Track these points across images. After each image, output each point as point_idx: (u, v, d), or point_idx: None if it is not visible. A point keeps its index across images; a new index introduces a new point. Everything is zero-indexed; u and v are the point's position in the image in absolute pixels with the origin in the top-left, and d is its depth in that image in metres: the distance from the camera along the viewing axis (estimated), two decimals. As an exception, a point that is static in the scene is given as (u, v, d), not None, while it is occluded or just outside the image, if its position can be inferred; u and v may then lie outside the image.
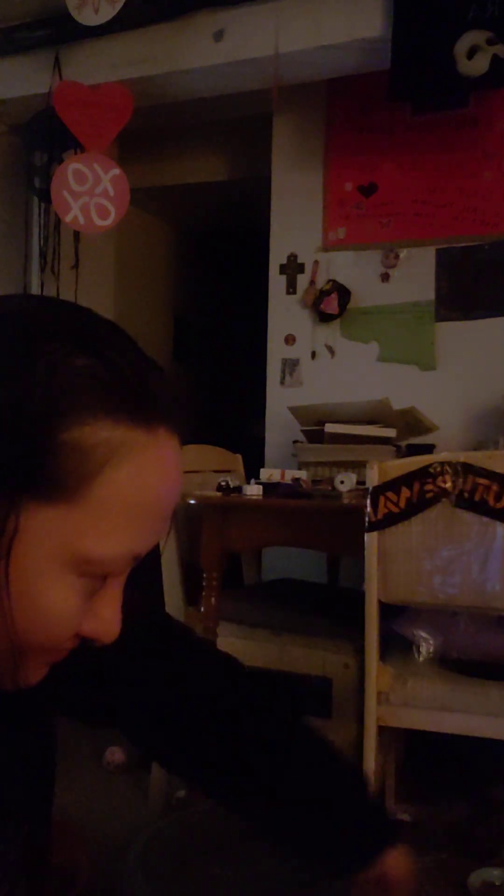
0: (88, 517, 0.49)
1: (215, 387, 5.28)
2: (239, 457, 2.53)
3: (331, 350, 3.09)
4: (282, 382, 3.15)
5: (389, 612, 1.57)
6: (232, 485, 1.98)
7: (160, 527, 0.53)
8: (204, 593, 1.87)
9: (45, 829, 0.68)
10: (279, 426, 3.06)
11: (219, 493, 1.93)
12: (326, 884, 0.73)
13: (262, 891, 0.71)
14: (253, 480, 2.09)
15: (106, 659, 0.68)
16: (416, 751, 2.15)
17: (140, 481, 0.50)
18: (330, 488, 2.00)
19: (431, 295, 2.94)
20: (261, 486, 1.96)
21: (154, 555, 0.70)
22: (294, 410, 2.54)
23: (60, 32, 2.74)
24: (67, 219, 2.77)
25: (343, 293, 3.02)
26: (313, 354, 3.11)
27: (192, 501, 1.94)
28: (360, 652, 1.59)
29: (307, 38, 2.51)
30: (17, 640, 0.51)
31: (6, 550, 0.48)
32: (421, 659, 1.62)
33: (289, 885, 0.72)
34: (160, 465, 0.51)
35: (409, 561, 1.48)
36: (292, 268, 3.15)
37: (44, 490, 0.47)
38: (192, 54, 2.65)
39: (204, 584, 1.87)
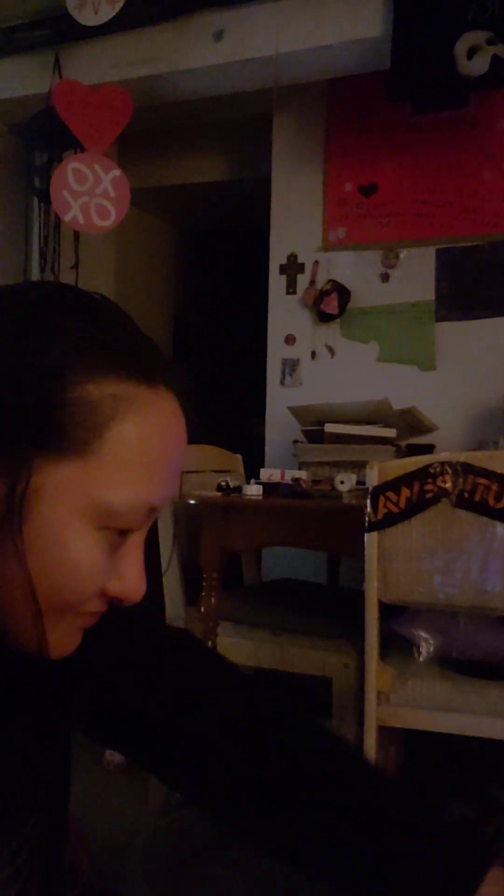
0: (102, 469, 0.51)
1: (215, 387, 5.28)
2: (239, 457, 2.53)
3: (331, 350, 3.09)
4: (282, 382, 3.16)
5: (389, 612, 1.57)
6: (232, 485, 1.98)
7: (171, 480, 0.55)
8: (204, 593, 1.87)
9: (61, 828, 0.67)
10: (279, 426, 3.06)
11: (219, 493, 1.93)
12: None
13: (262, 891, 0.71)
14: (253, 480, 2.09)
15: (109, 673, 0.69)
16: (416, 751, 2.15)
17: (146, 433, 0.53)
18: (330, 488, 2.00)
19: (431, 295, 2.94)
20: (261, 487, 1.96)
21: (154, 568, 0.70)
22: (294, 410, 2.55)
23: (60, 32, 2.74)
24: (67, 218, 2.77)
25: (343, 293, 3.02)
26: (313, 354, 3.11)
27: (192, 501, 1.94)
28: (360, 652, 1.59)
29: (307, 38, 2.52)
30: (45, 601, 0.52)
31: (19, 508, 0.50)
32: (421, 659, 1.62)
33: (289, 885, 0.72)
34: (164, 419, 0.55)
35: (408, 561, 1.48)
36: (292, 268, 3.15)
37: (56, 446, 0.50)
38: (192, 54, 2.65)
39: (204, 584, 1.87)
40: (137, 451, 0.53)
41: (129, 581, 0.55)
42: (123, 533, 0.55)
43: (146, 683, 0.71)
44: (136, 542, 0.56)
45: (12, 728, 0.61)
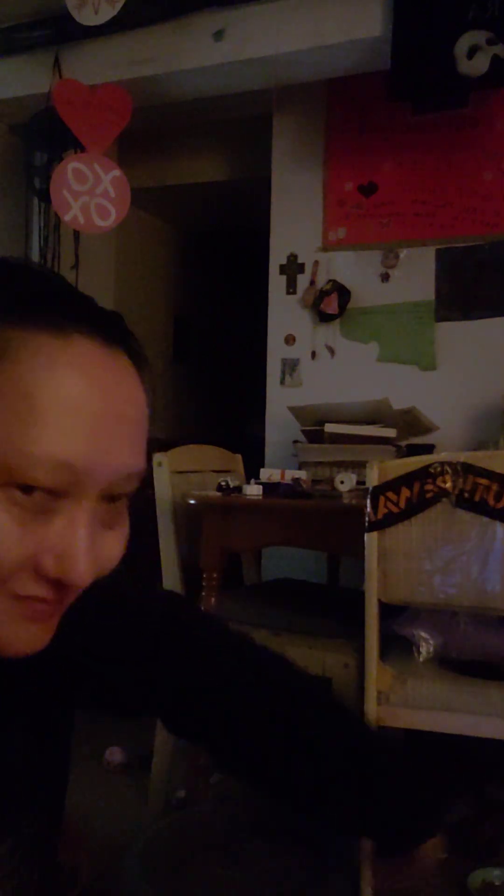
0: None
1: (215, 387, 5.28)
2: (239, 457, 2.53)
3: (331, 350, 3.09)
4: (282, 382, 3.15)
5: (389, 612, 1.57)
6: (232, 485, 1.98)
7: (91, 436, 0.49)
8: (204, 593, 1.87)
9: (56, 827, 0.68)
10: (279, 426, 3.06)
11: (219, 494, 1.93)
12: (325, 884, 0.73)
13: (262, 891, 0.71)
14: (253, 480, 2.09)
15: (126, 644, 0.70)
16: (416, 751, 2.15)
17: (48, 380, 0.48)
18: (330, 488, 2.00)
19: (431, 295, 2.94)
20: (261, 486, 1.96)
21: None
22: (294, 410, 2.55)
23: (60, 32, 2.74)
24: (67, 218, 2.77)
25: (343, 293, 3.02)
26: (313, 354, 3.11)
27: (192, 501, 1.94)
28: (360, 652, 1.59)
29: (307, 38, 2.51)
30: None
31: None
32: (421, 659, 1.62)
33: (288, 885, 0.72)
34: (75, 369, 0.49)
35: (409, 561, 1.48)
36: (292, 268, 3.15)
37: None
38: (192, 54, 2.65)
39: (204, 584, 1.87)
40: (35, 399, 0.47)
41: (63, 559, 0.49)
42: (49, 498, 0.49)
43: (143, 656, 0.72)
44: (72, 514, 0.50)
45: (12, 728, 0.61)
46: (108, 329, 0.52)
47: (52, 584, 0.50)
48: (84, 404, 0.49)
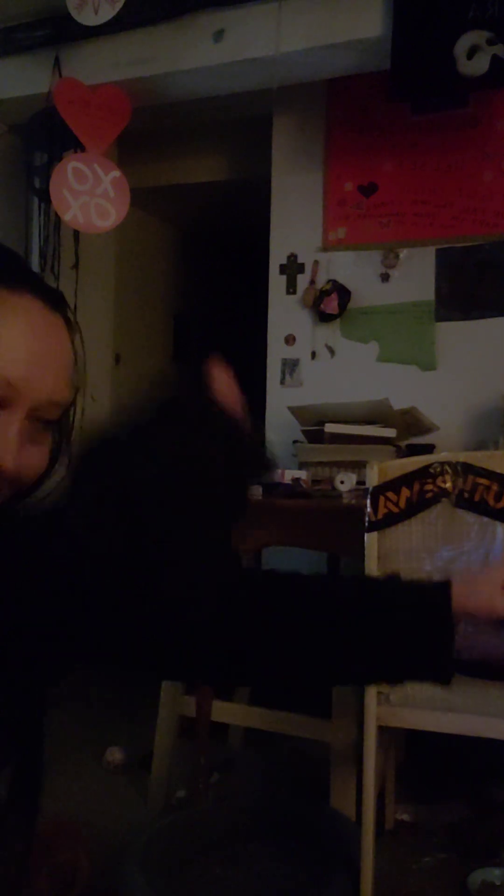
0: None
1: (215, 387, 5.27)
2: (239, 457, 2.53)
3: (331, 350, 3.09)
4: (282, 382, 3.16)
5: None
6: (232, 485, 1.98)
7: (27, 363, 0.64)
8: (204, 593, 1.86)
9: (35, 785, 0.72)
10: (279, 426, 3.06)
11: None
12: (325, 883, 0.73)
13: (262, 891, 0.71)
14: (253, 480, 2.09)
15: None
16: (416, 751, 2.15)
17: (2, 320, 0.64)
18: (330, 488, 2.00)
19: (431, 295, 2.94)
20: (261, 486, 1.96)
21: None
22: (294, 410, 2.55)
23: (60, 32, 2.74)
24: (67, 217, 2.77)
25: (343, 293, 3.02)
26: (313, 354, 3.11)
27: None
28: (360, 652, 1.58)
29: (307, 38, 2.51)
30: None
31: None
32: (421, 659, 1.62)
33: (288, 885, 0.72)
34: (21, 316, 0.65)
35: (409, 561, 1.48)
36: (292, 268, 3.15)
37: None
38: (192, 54, 2.65)
39: (204, 584, 1.87)
40: None
41: None
42: None
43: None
44: (7, 420, 0.64)
45: None
46: (52, 298, 0.69)
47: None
48: (25, 341, 0.65)
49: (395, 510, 1.47)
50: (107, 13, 2.57)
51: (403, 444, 2.49)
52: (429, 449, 2.52)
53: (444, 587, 0.77)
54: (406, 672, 0.78)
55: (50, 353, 0.67)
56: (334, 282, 3.03)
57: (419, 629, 0.74)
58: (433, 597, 0.76)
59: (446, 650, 0.73)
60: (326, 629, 0.74)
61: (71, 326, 0.72)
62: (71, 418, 0.76)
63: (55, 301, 0.70)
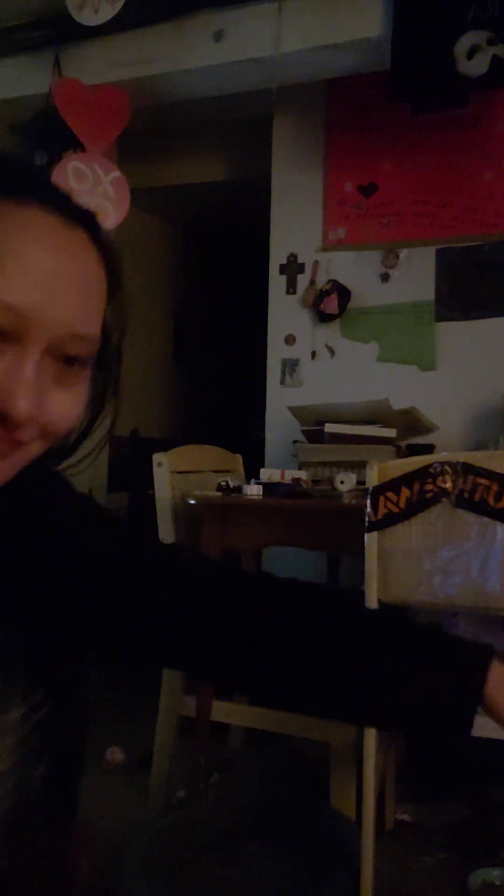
0: None
1: (215, 387, 5.28)
2: (239, 457, 2.54)
3: (331, 350, 3.09)
4: (282, 382, 3.16)
5: (389, 612, 1.57)
6: (232, 485, 1.98)
7: (37, 288, 0.53)
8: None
9: (74, 719, 0.68)
10: (279, 426, 3.07)
11: (219, 494, 1.93)
12: (325, 884, 0.73)
13: (262, 891, 0.71)
14: (253, 480, 2.09)
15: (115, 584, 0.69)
16: (416, 751, 2.15)
17: (3, 238, 0.53)
18: (330, 488, 2.00)
19: (431, 295, 2.94)
20: (261, 487, 1.96)
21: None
22: (294, 410, 2.55)
23: (60, 32, 2.74)
24: (67, 218, 2.77)
25: (343, 293, 3.02)
26: (313, 354, 3.11)
27: (192, 501, 1.94)
28: (360, 652, 1.58)
29: (307, 38, 2.52)
30: None
31: None
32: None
33: (288, 885, 0.72)
34: (28, 231, 0.54)
35: (409, 561, 1.48)
36: (292, 268, 3.15)
37: None
38: (192, 54, 2.65)
39: (204, 584, 1.87)
40: None
41: (4, 391, 0.53)
42: None
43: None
44: (18, 356, 0.54)
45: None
46: (70, 210, 0.58)
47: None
48: (33, 261, 0.54)
49: (395, 510, 1.47)
50: (107, 13, 2.57)
51: (403, 444, 2.49)
52: (429, 449, 2.52)
53: (484, 656, 0.66)
54: (419, 723, 0.69)
55: (67, 275, 0.56)
56: (334, 282, 3.03)
57: (447, 689, 0.66)
58: (471, 661, 0.66)
59: (468, 714, 0.65)
60: (348, 663, 0.68)
61: (101, 245, 0.60)
62: (116, 363, 0.67)
63: (75, 214, 0.58)
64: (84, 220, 0.59)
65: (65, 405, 0.58)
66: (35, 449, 0.58)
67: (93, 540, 0.70)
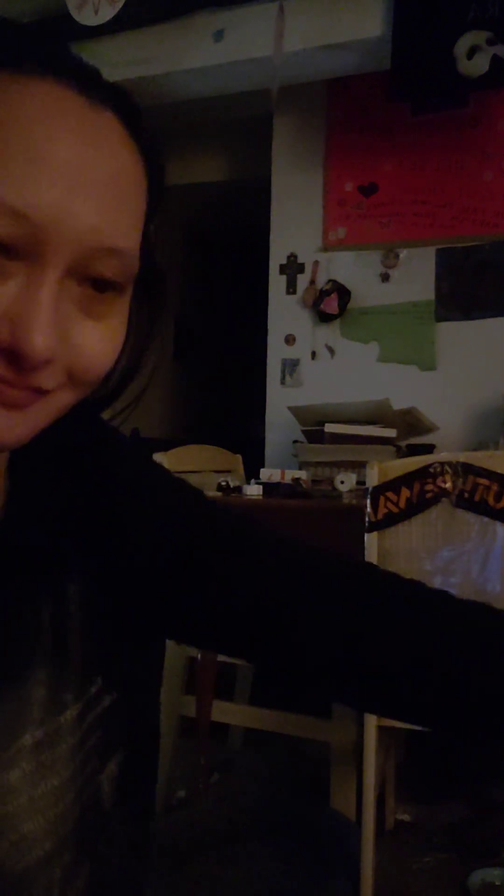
0: None
1: (215, 387, 5.27)
2: (239, 457, 2.53)
3: (331, 350, 3.09)
4: (282, 382, 3.16)
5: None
6: (232, 485, 1.98)
7: (52, 186, 0.41)
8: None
9: (142, 718, 0.57)
10: (279, 426, 3.07)
11: (219, 494, 1.93)
12: (325, 884, 0.73)
13: (262, 891, 0.71)
14: (253, 480, 2.09)
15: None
16: (416, 751, 2.15)
17: (5, 120, 0.41)
18: (330, 488, 2.00)
19: (431, 295, 2.94)
20: (261, 487, 1.96)
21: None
22: (294, 410, 2.55)
23: (60, 32, 2.73)
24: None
25: (343, 293, 3.02)
26: (313, 354, 3.11)
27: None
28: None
29: (307, 38, 2.52)
30: None
31: None
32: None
33: (288, 885, 0.72)
34: (39, 111, 0.42)
35: (409, 561, 1.48)
36: (292, 268, 3.15)
37: None
38: (192, 54, 2.65)
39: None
40: None
41: (17, 322, 0.42)
42: (3, 257, 0.42)
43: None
44: (32, 278, 0.42)
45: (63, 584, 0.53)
46: (95, 85, 0.46)
47: (8, 358, 0.42)
48: (48, 152, 0.41)
49: (395, 510, 1.47)
50: (107, 13, 2.57)
51: (403, 444, 2.49)
52: (429, 449, 2.52)
53: None
54: None
55: (93, 170, 0.43)
56: (334, 282, 3.03)
57: None
58: None
59: None
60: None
61: (139, 135, 0.48)
62: (161, 289, 0.55)
63: (105, 93, 0.46)
64: (117, 100, 0.47)
65: (95, 341, 0.45)
66: (63, 399, 0.46)
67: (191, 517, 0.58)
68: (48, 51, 0.46)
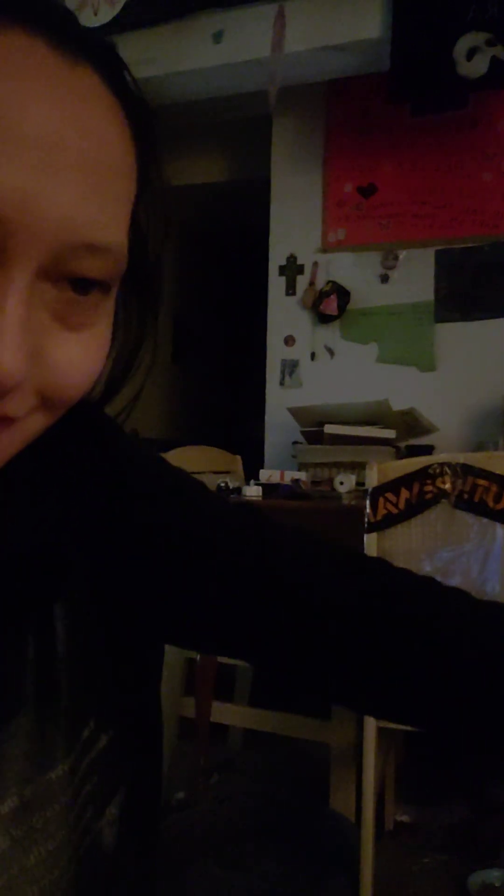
0: None
1: (215, 388, 5.28)
2: (238, 458, 2.54)
3: (330, 351, 3.09)
4: (281, 383, 3.16)
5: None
6: (231, 486, 1.98)
7: (18, 170, 0.33)
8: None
9: (142, 756, 0.50)
10: (279, 427, 3.07)
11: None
12: (325, 885, 0.73)
13: (261, 892, 0.71)
14: (252, 481, 2.09)
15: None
16: (416, 752, 2.15)
17: None
18: (329, 489, 2.01)
19: (431, 296, 2.94)
20: (260, 488, 1.96)
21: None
22: (293, 411, 2.55)
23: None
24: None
25: (342, 294, 3.02)
26: (313, 355, 3.11)
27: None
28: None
29: (307, 39, 2.52)
30: None
31: None
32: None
33: (287, 886, 0.72)
34: (1, 65, 0.33)
35: (408, 562, 1.48)
36: (292, 269, 3.15)
37: None
38: (191, 55, 2.65)
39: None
40: None
41: None
42: None
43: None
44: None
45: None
46: (73, 36, 0.36)
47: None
48: (11, 122, 0.33)
49: (395, 511, 1.47)
50: (106, 14, 2.57)
51: (403, 445, 2.49)
52: (428, 450, 2.52)
53: None
54: None
55: (69, 145, 0.34)
56: (334, 283, 3.03)
57: None
58: None
59: None
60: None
61: (126, 97, 0.39)
62: (156, 281, 0.47)
63: (84, 45, 0.37)
64: (99, 55, 0.37)
65: (73, 356, 0.38)
66: (33, 425, 0.39)
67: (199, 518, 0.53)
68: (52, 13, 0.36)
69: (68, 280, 0.37)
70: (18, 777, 0.42)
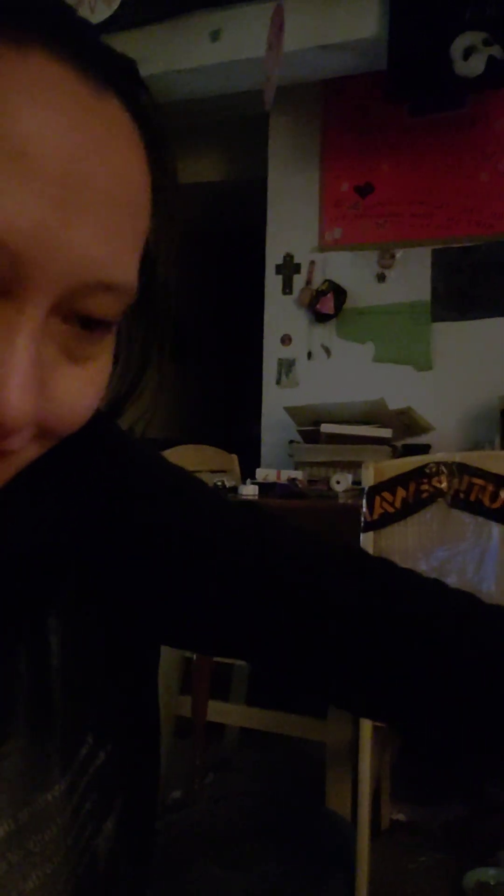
0: None
1: (211, 387, 5.27)
2: (235, 457, 2.53)
3: (327, 350, 3.09)
4: (278, 383, 3.16)
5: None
6: (228, 485, 1.98)
7: (38, 205, 0.31)
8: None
9: (139, 775, 0.50)
10: (275, 426, 3.07)
11: (215, 494, 1.93)
12: (321, 884, 0.73)
13: (258, 891, 0.71)
14: (249, 481, 2.09)
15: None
16: (412, 750, 2.15)
17: None
18: (326, 488, 2.01)
19: (427, 295, 2.95)
20: (257, 487, 1.96)
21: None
22: (290, 411, 2.55)
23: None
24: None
25: (339, 293, 3.02)
26: (309, 355, 3.11)
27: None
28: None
29: (304, 38, 2.52)
30: None
31: None
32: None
33: (283, 885, 0.72)
34: (25, 98, 0.31)
35: (404, 561, 1.47)
36: (288, 268, 3.15)
37: None
38: (188, 54, 2.65)
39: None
40: None
41: None
42: None
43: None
44: (8, 322, 0.33)
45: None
46: (95, 58, 0.35)
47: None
48: (31, 154, 0.31)
49: (391, 510, 1.47)
50: (103, 13, 2.57)
51: (399, 444, 2.49)
52: (424, 449, 2.53)
53: None
54: None
55: (90, 181, 0.33)
56: (330, 282, 3.03)
57: None
58: None
59: None
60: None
61: (144, 121, 0.38)
62: (166, 307, 0.46)
63: (107, 67, 0.36)
64: (123, 80, 0.37)
65: (76, 389, 0.37)
66: (26, 456, 0.38)
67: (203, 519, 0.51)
68: (38, 5, 0.34)
69: (77, 316, 0.36)
70: (13, 800, 0.41)
